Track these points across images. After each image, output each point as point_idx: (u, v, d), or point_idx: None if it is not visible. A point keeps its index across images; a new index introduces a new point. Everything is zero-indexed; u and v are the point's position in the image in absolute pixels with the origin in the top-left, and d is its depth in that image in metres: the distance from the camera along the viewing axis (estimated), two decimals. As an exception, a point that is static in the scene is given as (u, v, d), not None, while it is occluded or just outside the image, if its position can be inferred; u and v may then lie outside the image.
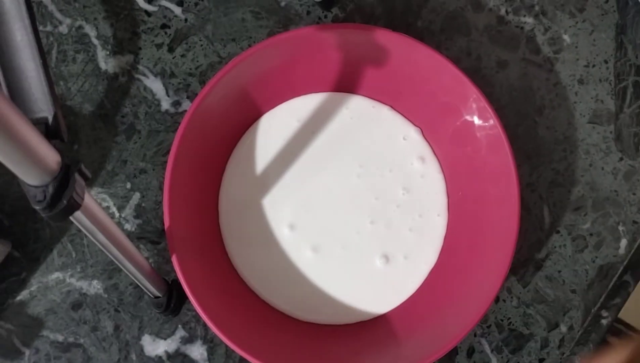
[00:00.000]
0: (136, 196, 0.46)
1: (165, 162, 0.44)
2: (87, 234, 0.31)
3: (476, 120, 0.42)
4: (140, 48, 0.47)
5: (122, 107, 0.46)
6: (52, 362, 0.45)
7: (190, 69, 0.47)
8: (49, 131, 0.38)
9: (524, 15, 0.48)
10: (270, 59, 0.43)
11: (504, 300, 0.46)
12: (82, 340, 0.45)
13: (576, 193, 0.47)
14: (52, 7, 0.47)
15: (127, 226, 0.46)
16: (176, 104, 0.47)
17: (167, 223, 0.40)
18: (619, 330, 0.47)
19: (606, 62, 0.48)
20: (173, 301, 0.42)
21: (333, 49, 0.43)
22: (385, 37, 0.42)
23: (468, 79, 0.41)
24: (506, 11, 0.48)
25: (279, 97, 0.45)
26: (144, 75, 0.47)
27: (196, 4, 0.47)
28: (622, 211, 0.46)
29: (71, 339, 0.45)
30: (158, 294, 0.41)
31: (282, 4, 0.47)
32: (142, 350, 0.45)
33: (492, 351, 0.45)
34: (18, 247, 0.45)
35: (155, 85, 0.47)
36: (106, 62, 0.47)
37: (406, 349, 0.42)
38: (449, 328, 0.41)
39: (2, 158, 0.23)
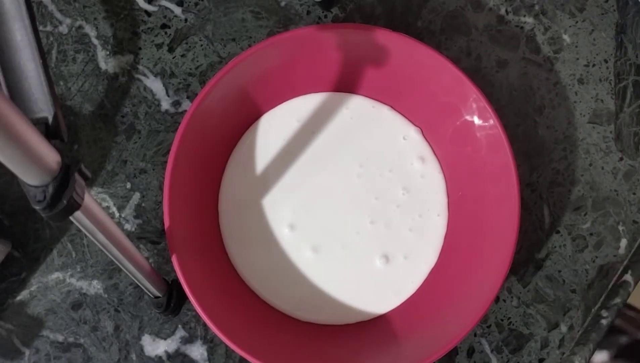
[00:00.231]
0: (136, 196, 0.46)
1: (165, 162, 0.44)
2: (87, 234, 0.31)
3: (476, 120, 0.42)
4: (140, 48, 0.47)
5: (122, 107, 0.46)
6: (52, 362, 0.45)
7: (190, 69, 0.47)
8: (49, 131, 0.38)
9: (524, 15, 0.48)
10: (270, 59, 0.43)
11: (504, 300, 0.46)
12: (82, 340, 0.45)
13: (576, 193, 0.47)
14: (52, 7, 0.47)
15: (127, 226, 0.46)
16: (176, 104, 0.47)
17: (167, 223, 0.40)
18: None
19: (606, 61, 0.48)
20: (173, 301, 0.42)
21: (333, 49, 0.43)
22: (385, 37, 0.42)
23: (468, 79, 0.41)
24: (506, 11, 0.48)
25: (279, 97, 0.45)
26: (144, 75, 0.47)
27: (196, 4, 0.47)
28: (622, 211, 0.46)
29: (71, 339, 0.45)
30: (158, 294, 0.41)
31: (282, 4, 0.47)
32: (142, 350, 0.45)
33: (492, 351, 0.45)
34: (18, 247, 0.45)
35: (155, 85, 0.47)
36: (106, 62, 0.47)
37: (406, 349, 0.42)
38: (449, 328, 0.41)
39: (2, 158, 0.23)
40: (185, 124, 0.41)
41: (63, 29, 0.47)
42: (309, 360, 0.42)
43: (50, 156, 0.25)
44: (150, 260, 0.45)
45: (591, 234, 0.46)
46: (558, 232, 0.46)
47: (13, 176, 0.25)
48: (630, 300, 0.48)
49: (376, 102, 0.46)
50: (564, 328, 0.46)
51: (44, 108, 0.38)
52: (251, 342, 0.40)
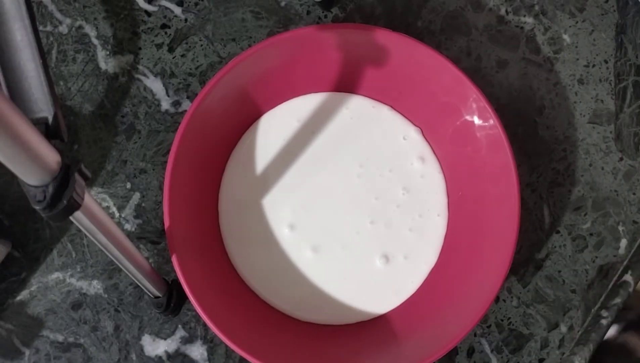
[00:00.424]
0: (136, 196, 0.46)
1: (165, 162, 0.44)
2: (87, 234, 0.31)
3: (476, 120, 0.42)
4: (140, 48, 0.47)
5: (122, 107, 0.46)
6: (52, 362, 0.45)
7: (190, 69, 0.47)
8: (49, 131, 0.38)
9: (524, 15, 0.48)
10: (270, 59, 0.43)
11: (504, 300, 0.46)
12: (82, 340, 0.45)
13: (576, 193, 0.47)
14: (52, 7, 0.47)
15: (127, 226, 0.46)
16: (176, 104, 0.47)
17: (167, 223, 0.40)
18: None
19: (606, 62, 0.48)
20: (173, 301, 0.42)
21: (333, 49, 0.43)
22: (385, 37, 0.42)
23: (468, 79, 0.41)
24: (506, 11, 0.48)
25: (279, 97, 0.45)
26: (144, 75, 0.47)
27: (196, 4, 0.47)
28: (622, 211, 0.46)
29: (71, 339, 0.45)
30: (158, 294, 0.41)
31: (282, 4, 0.47)
32: (142, 350, 0.45)
33: (492, 351, 0.45)
34: (18, 247, 0.45)
35: (155, 85, 0.47)
36: (106, 62, 0.47)
37: (406, 349, 0.42)
38: (449, 328, 0.41)
39: (2, 158, 0.23)
40: (185, 124, 0.41)
41: (63, 29, 0.47)
42: (309, 360, 0.42)
43: (50, 156, 0.25)
44: (150, 260, 0.45)
45: (591, 234, 0.46)
46: (558, 232, 0.46)
47: (13, 176, 0.25)
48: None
49: (376, 102, 0.46)
50: (564, 328, 0.46)
51: (44, 108, 0.38)
52: (251, 342, 0.40)
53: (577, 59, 0.47)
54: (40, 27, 0.47)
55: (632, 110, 0.47)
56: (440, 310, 0.42)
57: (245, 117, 0.45)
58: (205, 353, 0.45)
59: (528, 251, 0.46)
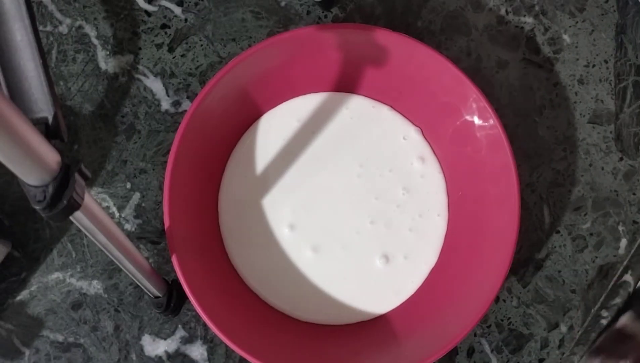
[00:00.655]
0: (136, 196, 0.46)
1: (165, 162, 0.44)
2: (87, 234, 0.31)
3: (476, 120, 0.42)
4: (140, 48, 0.47)
5: (122, 107, 0.46)
6: (52, 362, 0.45)
7: (190, 69, 0.47)
8: (49, 131, 0.38)
9: (524, 15, 0.48)
10: (270, 59, 0.43)
11: (504, 300, 0.46)
12: (82, 340, 0.45)
13: (576, 193, 0.47)
14: (52, 7, 0.47)
15: (127, 226, 0.46)
16: (176, 104, 0.47)
17: (167, 223, 0.40)
18: None
19: (606, 62, 0.48)
20: (173, 301, 0.42)
21: (333, 49, 0.43)
22: (385, 37, 0.42)
23: (468, 79, 0.41)
24: (506, 11, 0.48)
25: (279, 97, 0.45)
26: (144, 75, 0.47)
27: (196, 4, 0.47)
28: (622, 211, 0.46)
29: (71, 339, 0.45)
30: (158, 294, 0.41)
31: (282, 4, 0.47)
32: (142, 350, 0.45)
33: (492, 351, 0.45)
34: (18, 247, 0.45)
35: (155, 85, 0.47)
36: (106, 62, 0.47)
37: (406, 349, 0.42)
38: (449, 328, 0.41)
39: (2, 158, 0.23)
40: (185, 124, 0.41)
41: (63, 29, 0.47)
42: (309, 360, 0.42)
43: (50, 156, 0.25)
44: (150, 260, 0.45)
45: (591, 234, 0.46)
46: (558, 232, 0.46)
47: (13, 176, 0.25)
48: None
49: (376, 102, 0.46)
50: (564, 328, 0.46)
51: (44, 108, 0.38)
52: (251, 342, 0.40)
53: (577, 59, 0.47)
54: (40, 27, 0.47)
55: (632, 110, 0.47)
56: (440, 310, 0.42)
57: (245, 117, 0.45)
58: (205, 353, 0.45)
59: (528, 251, 0.46)
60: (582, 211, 0.46)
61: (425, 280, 0.44)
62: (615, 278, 0.46)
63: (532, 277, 0.46)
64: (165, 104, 0.46)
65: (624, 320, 0.44)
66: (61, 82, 0.47)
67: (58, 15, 0.47)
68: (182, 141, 0.41)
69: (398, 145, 0.45)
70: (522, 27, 0.48)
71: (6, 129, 0.22)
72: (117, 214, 0.46)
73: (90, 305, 0.45)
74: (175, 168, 0.40)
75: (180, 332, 0.45)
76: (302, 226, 0.44)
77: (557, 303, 0.46)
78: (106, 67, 0.47)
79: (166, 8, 0.47)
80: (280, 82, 0.44)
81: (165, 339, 0.45)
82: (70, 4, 0.47)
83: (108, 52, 0.47)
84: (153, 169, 0.46)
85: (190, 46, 0.47)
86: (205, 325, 0.44)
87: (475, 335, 0.45)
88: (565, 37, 0.48)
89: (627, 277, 0.46)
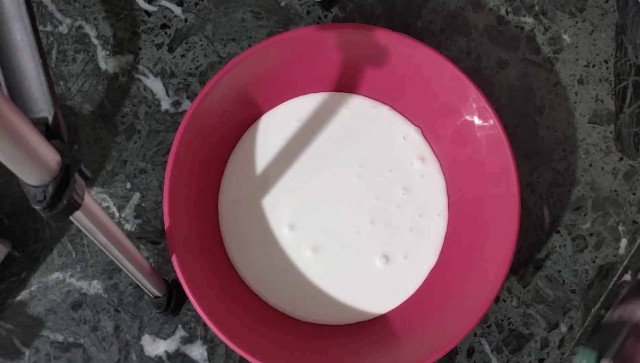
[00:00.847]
0: (136, 196, 0.46)
1: (165, 162, 0.44)
2: (87, 234, 0.31)
3: (476, 120, 0.42)
4: (140, 48, 0.47)
5: (122, 107, 0.46)
6: (52, 362, 0.45)
7: (190, 69, 0.47)
8: (49, 131, 0.38)
9: (524, 15, 0.48)
10: (270, 59, 0.43)
11: (504, 300, 0.46)
12: (82, 340, 0.45)
13: (576, 193, 0.47)
14: (52, 7, 0.47)
15: (127, 226, 0.46)
16: (176, 104, 0.47)
17: (167, 223, 0.40)
18: None
19: (606, 62, 0.48)
20: (173, 301, 0.42)
21: (333, 49, 0.43)
22: (385, 37, 0.42)
23: (468, 79, 0.41)
24: (506, 11, 0.48)
25: (279, 97, 0.45)
26: (144, 75, 0.47)
27: (196, 4, 0.47)
28: (622, 211, 0.46)
29: (71, 339, 0.45)
30: (158, 294, 0.41)
31: (282, 4, 0.47)
32: (142, 350, 0.45)
33: (492, 351, 0.45)
34: (18, 247, 0.45)
35: (155, 85, 0.47)
36: (106, 62, 0.47)
37: (406, 349, 0.42)
38: (449, 328, 0.41)
39: (2, 158, 0.23)
40: (185, 124, 0.41)
41: (63, 29, 0.47)
42: (309, 360, 0.42)
43: (50, 156, 0.25)
44: (150, 260, 0.45)
45: (591, 234, 0.46)
46: (558, 232, 0.46)
47: (13, 176, 0.25)
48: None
49: (376, 102, 0.46)
50: (564, 328, 0.46)
51: (44, 108, 0.38)
52: (251, 342, 0.40)
53: (577, 59, 0.47)
54: (40, 27, 0.47)
55: (632, 110, 0.47)
56: (440, 310, 0.42)
57: (245, 117, 0.45)
58: (205, 353, 0.45)
59: (528, 251, 0.46)
60: (582, 211, 0.46)
61: (425, 280, 0.44)
62: (615, 278, 0.46)
63: (532, 277, 0.46)
64: (165, 104, 0.46)
65: None
66: (61, 82, 0.47)
67: (58, 15, 0.47)
68: (182, 141, 0.41)
69: (398, 145, 0.45)
70: (522, 27, 0.48)
71: (6, 129, 0.22)
72: (117, 214, 0.46)
73: (90, 305, 0.45)
74: (175, 168, 0.40)
75: (180, 332, 0.45)
76: (302, 226, 0.44)
77: (557, 303, 0.46)
78: (106, 67, 0.47)
79: (166, 8, 0.47)
80: (280, 82, 0.44)
81: (165, 339, 0.45)
82: (70, 4, 0.47)
83: (108, 52, 0.47)
84: (153, 169, 0.46)
85: (190, 46, 0.47)
86: (205, 325, 0.44)
87: (475, 335, 0.45)
88: (565, 37, 0.48)
89: (627, 277, 0.46)
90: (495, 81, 0.47)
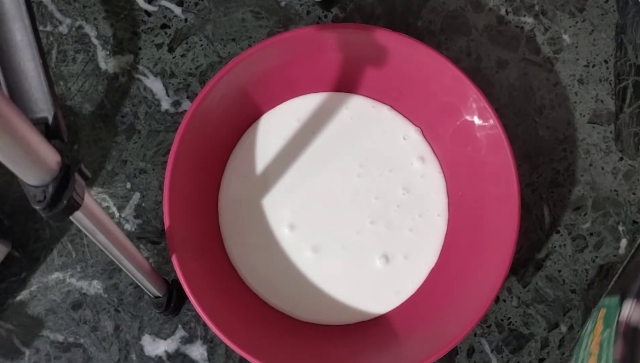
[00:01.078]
0: (136, 196, 0.46)
1: (165, 162, 0.44)
2: (87, 234, 0.31)
3: (476, 120, 0.42)
4: (140, 48, 0.47)
5: (122, 107, 0.46)
6: (52, 362, 0.45)
7: (190, 69, 0.47)
8: (49, 131, 0.38)
9: (524, 15, 0.48)
10: (270, 59, 0.43)
11: (504, 300, 0.46)
12: (82, 340, 0.45)
13: (576, 193, 0.47)
14: (52, 7, 0.47)
15: (127, 226, 0.46)
16: (176, 104, 0.47)
17: (167, 223, 0.40)
18: None
19: (606, 62, 0.48)
20: (173, 301, 0.42)
21: (333, 49, 0.43)
22: (385, 37, 0.42)
23: (468, 79, 0.41)
24: (506, 11, 0.48)
25: (279, 97, 0.45)
26: (144, 75, 0.47)
27: (196, 4, 0.47)
28: (622, 211, 0.46)
29: (71, 339, 0.45)
30: (158, 294, 0.41)
31: (282, 4, 0.47)
32: (142, 350, 0.45)
33: (492, 351, 0.45)
34: (18, 247, 0.45)
35: (155, 85, 0.47)
36: (106, 62, 0.47)
37: (406, 349, 0.42)
38: (449, 328, 0.41)
39: (2, 158, 0.23)
40: (185, 124, 0.41)
41: (63, 29, 0.47)
42: (309, 360, 0.42)
43: (50, 156, 0.25)
44: (150, 260, 0.45)
45: (591, 234, 0.46)
46: (558, 232, 0.46)
47: (13, 176, 0.25)
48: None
49: (376, 102, 0.46)
50: (564, 328, 0.46)
51: (44, 108, 0.38)
52: (251, 342, 0.40)
53: (577, 59, 0.47)
54: (40, 27, 0.47)
55: (632, 110, 0.47)
56: (440, 310, 0.42)
57: (245, 117, 0.45)
58: (205, 353, 0.45)
59: (528, 251, 0.46)
60: (582, 211, 0.46)
61: (425, 280, 0.44)
62: (615, 278, 0.46)
63: (532, 277, 0.46)
64: (165, 104, 0.46)
65: None
66: (61, 82, 0.47)
67: (58, 15, 0.47)
68: (182, 141, 0.41)
69: (398, 145, 0.45)
70: (522, 27, 0.48)
71: (6, 129, 0.22)
72: (117, 214, 0.46)
73: (90, 305, 0.45)
74: (175, 168, 0.40)
75: (180, 332, 0.45)
76: (302, 226, 0.44)
77: (557, 303, 0.46)
78: (106, 67, 0.47)
79: (166, 8, 0.47)
80: (280, 82, 0.44)
81: (165, 339, 0.45)
82: (70, 4, 0.47)
83: (108, 52, 0.47)
84: (153, 169, 0.46)
85: (190, 46, 0.47)
86: (205, 325, 0.44)
87: (475, 335, 0.45)
88: (565, 37, 0.48)
89: (627, 277, 0.46)
90: (495, 81, 0.47)
